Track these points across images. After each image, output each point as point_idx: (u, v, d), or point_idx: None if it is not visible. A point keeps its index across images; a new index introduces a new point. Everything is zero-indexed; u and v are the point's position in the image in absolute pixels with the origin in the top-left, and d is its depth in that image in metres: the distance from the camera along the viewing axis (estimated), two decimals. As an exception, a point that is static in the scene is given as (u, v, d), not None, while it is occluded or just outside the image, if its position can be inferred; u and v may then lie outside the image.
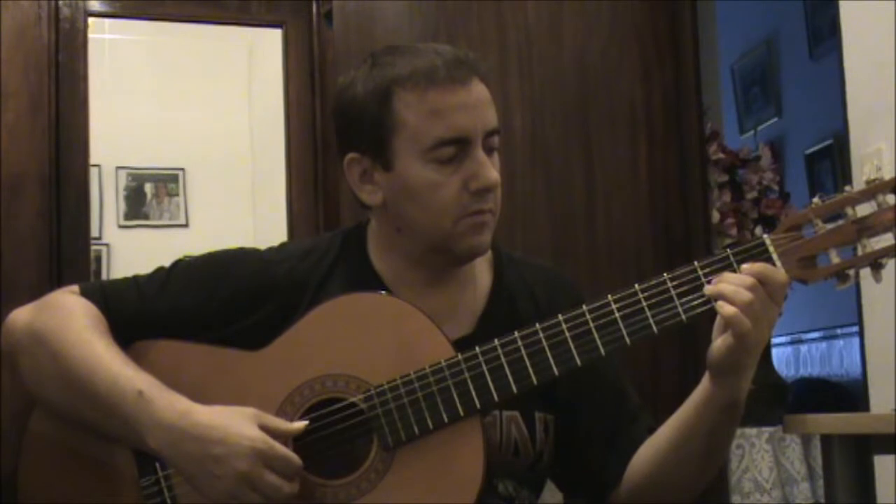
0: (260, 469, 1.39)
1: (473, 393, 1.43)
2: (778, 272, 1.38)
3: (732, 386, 1.41)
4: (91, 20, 3.17)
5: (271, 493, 1.39)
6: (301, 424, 1.44)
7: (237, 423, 1.41)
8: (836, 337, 4.66)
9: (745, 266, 1.38)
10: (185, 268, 1.61)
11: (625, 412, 1.60)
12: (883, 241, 1.37)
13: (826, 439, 1.79)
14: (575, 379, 1.50)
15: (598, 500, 1.61)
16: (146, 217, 5.17)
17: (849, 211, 1.38)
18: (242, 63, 5.09)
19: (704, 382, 1.45)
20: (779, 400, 3.18)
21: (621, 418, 1.60)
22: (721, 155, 3.35)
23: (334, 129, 1.60)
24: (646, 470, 1.54)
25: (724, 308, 1.36)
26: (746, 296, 1.35)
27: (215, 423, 1.41)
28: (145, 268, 1.63)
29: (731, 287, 1.36)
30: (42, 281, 2.89)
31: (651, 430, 1.57)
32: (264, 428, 1.42)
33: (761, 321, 1.36)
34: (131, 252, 4.92)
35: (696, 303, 1.39)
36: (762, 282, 1.36)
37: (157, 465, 1.49)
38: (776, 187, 3.43)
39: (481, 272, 1.62)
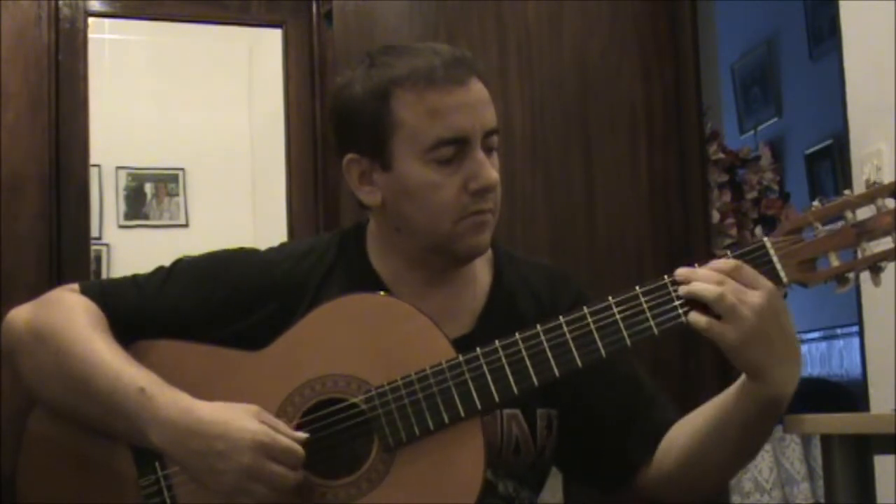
0: (263, 461, 1.39)
1: (474, 394, 1.43)
2: (732, 261, 1.38)
3: (767, 382, 1.38)
4: (91, 20, 3.17)
5: (277, 484, 1.39)
6: (302, 436, 1.44)
7: (239, 418, 1.41)
8: (836, 337, 4.66)
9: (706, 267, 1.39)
10: (184, 267, 1.61)
11: (642, 397, 1.59)
12: (882, 244, 1.37)
13: (826, 439, 1.79)
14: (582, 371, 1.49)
15: (616, 486, 1.60)
16: (146, 217, 5.17)
17: (848, 214, 1.38)
18: (242, 63, 5.10)
19: (742, 375, 1.43)
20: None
21: (638, 403, 1.59)
22: (721, 155, 3.36)
23: (332, 129, 1.60)
24: (678, 455, 1.53)
25: (698, 322, 1.37)
26: (713, 289, 1.36)
27: (217, 419, 1.41)
28: (145, 268, 1.63)
29: (699, 284, 1.37)
30: (42, 281, 2.89)
31: (675, 417, 1.57)
32: (266, 424, 1.42)
33: (734, 309, 1.35)
34: (131, 252, 4.93)
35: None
36: (728, 272, 1.37)
37: (157, 464, 1.49)
38: (776, 187, 3.43)
39: (481, 271, 1.62)
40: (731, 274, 1.37)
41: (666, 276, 1.41)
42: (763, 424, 1.45)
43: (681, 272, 1.39)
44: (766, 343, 1.36)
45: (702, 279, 1.37)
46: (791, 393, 1.41)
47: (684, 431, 1.54)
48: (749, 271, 1.37)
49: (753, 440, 1.49)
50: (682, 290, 1.38)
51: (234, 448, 1.39)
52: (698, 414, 1.53)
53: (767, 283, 1.37)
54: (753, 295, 1.36)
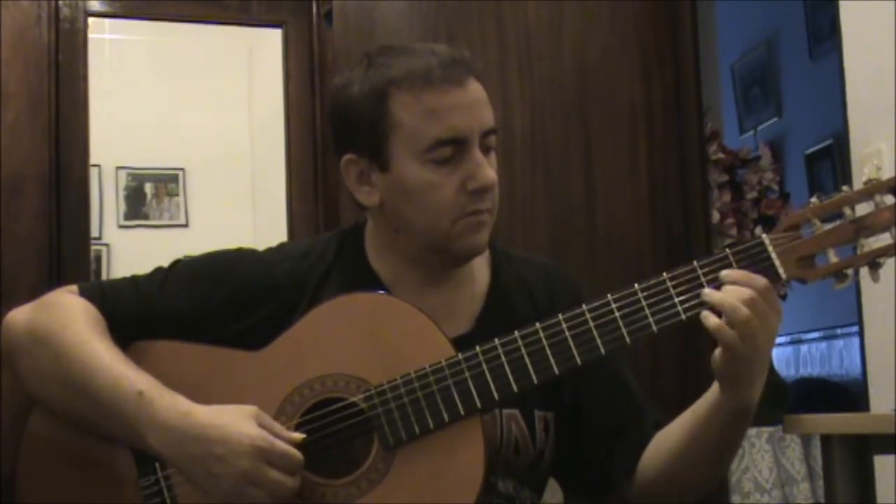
0: (261, 466, 1.39)
1: (474, 392, 1.43)
2: (756, 278, 1.37)
3: (740, 394, 1.41)
4: (91, 20, 3.18)
5: (274, 489, 1.39)
6: (298, 436, 1.44)
7: (238, 422, 1.41)
8: (836, 337, 4.66)
9: (723, 273, 1.38)
10: (183, 268, 1.61)
11: (630, 407, 1.60)
12: (881, 240, 1.37)
13: (826, 439, 1.79)
14: (578, 375, 1.50)
15: (604, 496, 1.61)
16: (146, 217, 5.18)
17: (847, 211, 1.38)
18: (242, 63, 5.10)
19: (714, 387, 1.45)
20: (779, 400, 3.19)
21: (627, 414, 1.60)
22: (721, 155, 3.36)
23: (331, 130, 1.60)
24: (658, 467, 1.54)
25: (708, 319, 1.36)
26: (744, 312, 1.34)
27: (216, 423, 1.41)
28: (145, 268, 1.63)
29: (729, 300, 1.36)
30: (42, 281, 2.89)
31: (657, 425, 1.58)
32: (264, 426, 1.42)
33: (756, 336, 1.35)
34: (131, 252, 4.93)
35: (695, 302, 1.39)
36: (757, 291, 1.36)
37: (157, 464, 1.49)
38: (776, 187, 3.43)
39: (479, 271, 1.62)
40: (764, 294, 1.36)
41: (665, 273, 1.41)
42: (735, 432, 1.47)
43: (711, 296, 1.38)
44: (758, 361, 1.39)
45: (736, 296, 1.36)
46: (756, 404, 1.43)
47: (663, 442, 1.55)
48: (773, 296, 1.37)
49: (727, 449, 1.50)
50: (712, 297, 1.37)
51: (233, 452, 1.39)
52: (675, 424, 1.54)
53: (779, 308, 1.38)
54: (770, 321, 1.36)
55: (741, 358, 1.36)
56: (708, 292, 1.38)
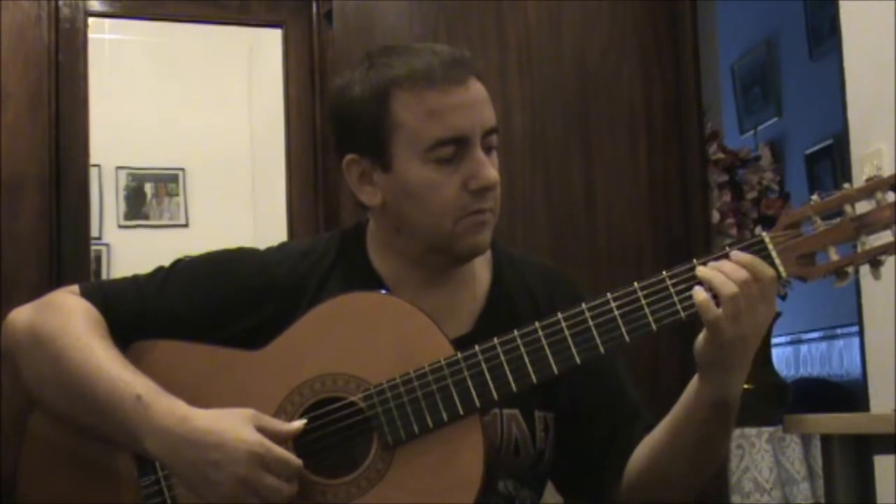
0: (258, 473, 1.38)
1: (473, 392, 1.43)
2: (765, 267, 1.37)
3: (720, 383, 1.41)
4: (91, 20, 3.18)
5: (271, 496, 1.39)
6: (299, 424, 1.44)
7: (235, 428, 1.40)
8: (836, 337, 4.65)
9: (734, 253, 1.38)
10: (184, 268, 1.61)
11: (625, 411, 1.60)
12: (881, 238, 1.37)
13: (826, 439, 1.79)
14: (575, 376, 1.50)
15: (597, 499, 1.61)
16: (146, 217, 5.18)
17: (847, 208, 1.38)
18: (242, 63, 5.10)
19: (695, 378, 1.45)
20: (779, 400, 3.18)
21: (621, 417, 1.60)
22: (721, 155, 3.35)
23: (332, 130, 1.60)
24: (641, 466, 1.54)
25: (698, 294, 1.36)
26: (731, 287, 1.35)
27: (213, 428, 1.41)
28: (145, 268, 1.63)
29: (720, 277, 1.36)
30: (42, 281, 2.89)
31: (649, 429, 1.57)
32: (262, 429, 1.41)
33: (740, 318, 1.35)
34: (131, 252, 4.93)
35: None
36: (754, 276, 1.36)
37: (157, 464, 1.49)
38: (776, 187, 3.43)
39: (480, 271, 1.62)
40: (759, 280, 1.36)
41: (664, 272, 1.41)
42: (715, 428, 1.46)
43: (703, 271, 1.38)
44: (740, 349, 1.38)
45: (726, 272, 1.36)
46: (738, 398, 1.43)
47: (648, 442, 1.55)
48: (769, 287, 1.37)
49: (707, 446, 1.49)
50: (701, 272, 1.38)
51: (230, 459, 1.39)
52: (659, 425, 1.54)
53: (772, 301, 1.38)
54: (762, 307, 1.36)
55: (724, 341, 1.36)
56: (702, 268, 1.38)
